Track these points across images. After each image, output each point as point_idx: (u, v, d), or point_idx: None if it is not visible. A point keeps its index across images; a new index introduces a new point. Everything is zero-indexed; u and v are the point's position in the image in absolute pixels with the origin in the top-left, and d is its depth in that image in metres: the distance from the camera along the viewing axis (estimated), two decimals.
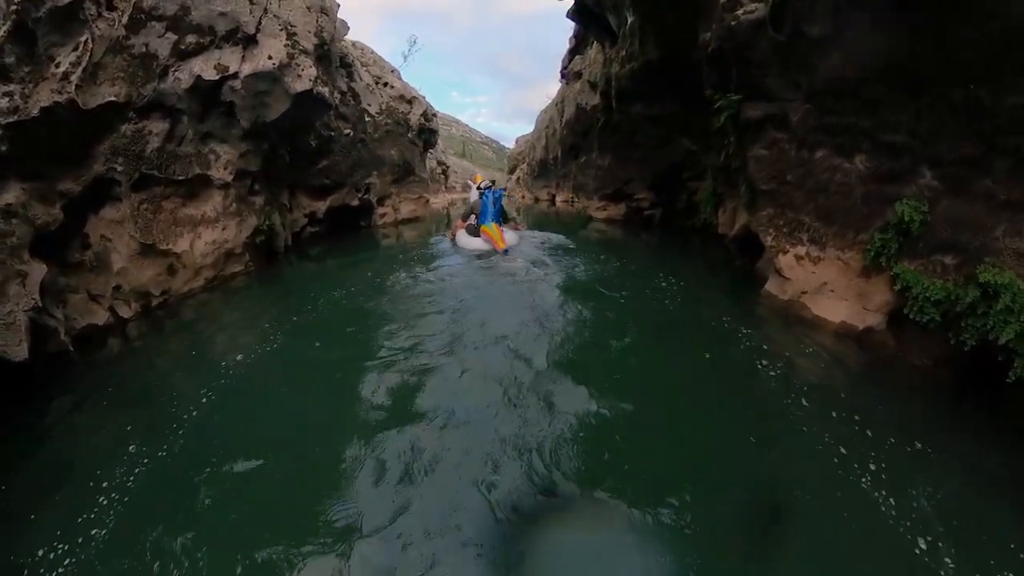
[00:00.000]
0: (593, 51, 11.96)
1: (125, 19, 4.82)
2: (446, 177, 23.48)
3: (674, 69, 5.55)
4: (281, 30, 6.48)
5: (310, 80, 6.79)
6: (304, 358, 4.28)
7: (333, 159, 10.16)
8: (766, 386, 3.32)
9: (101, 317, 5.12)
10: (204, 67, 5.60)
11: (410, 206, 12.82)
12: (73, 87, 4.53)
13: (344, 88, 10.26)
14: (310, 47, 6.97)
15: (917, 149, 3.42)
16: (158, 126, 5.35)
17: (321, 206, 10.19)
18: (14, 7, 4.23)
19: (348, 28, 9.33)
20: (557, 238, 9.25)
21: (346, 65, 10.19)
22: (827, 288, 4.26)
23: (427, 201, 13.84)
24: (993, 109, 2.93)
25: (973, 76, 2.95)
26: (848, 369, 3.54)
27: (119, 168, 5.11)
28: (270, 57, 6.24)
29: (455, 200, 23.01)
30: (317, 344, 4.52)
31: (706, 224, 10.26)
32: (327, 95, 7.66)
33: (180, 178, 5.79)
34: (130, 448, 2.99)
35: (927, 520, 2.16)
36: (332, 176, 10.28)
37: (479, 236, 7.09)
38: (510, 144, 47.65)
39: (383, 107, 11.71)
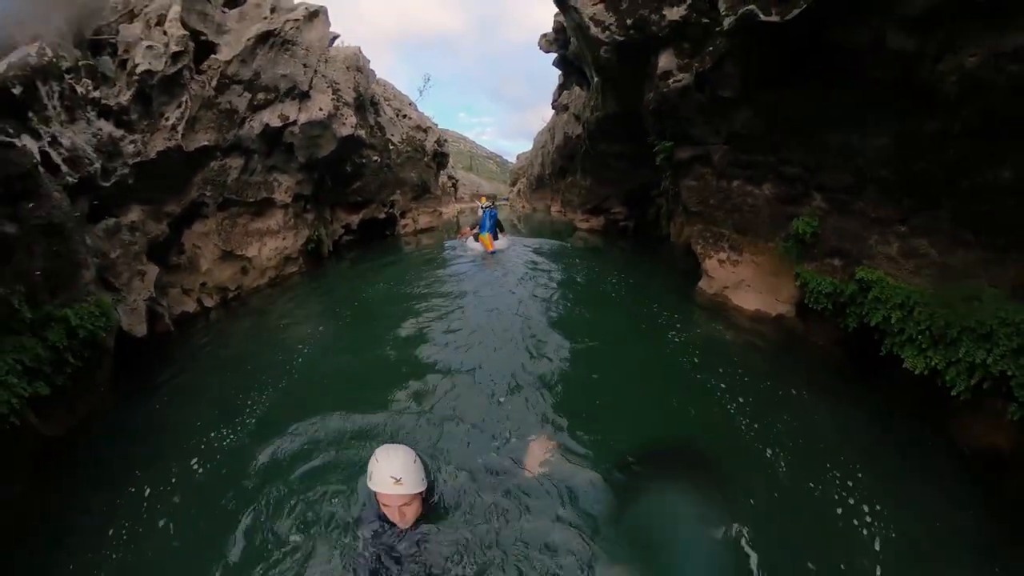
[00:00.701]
0: (576, 89, 12.60)
1: (214, 83, 5.59)
2: (455, 189, 24.09)
3: (628, 120, 6.18)
4: (328, 87, 7.26)
5: (352, 127, 7.61)
6: (347, 330, 5.05)
7: (364, 181, 10.91)
8: (693, 353, 3.83)
9: (191, 306, 5.94)
10: (271, 117, 6.39)
11: (426, 218, 13.57)
12: (179, 135, 5.32)
13: (372, 123, 11.00)
14: (351, 99, 7.77)
15: (808, 179, 3.93)
16: (236, 162, 6.14)
17: (355, 219, 10.96)
18: (135, 78, 5.02)
19: (375, 75, 10.06)
20: (547, 243, 10.07)
21: (374, 104, 10.92)
22: (744, 284, 4.92)
23: (440, 214, 14.58)
24: (861, 149, 3.36)
25: (845, 124, 3.47)
26: (762, 344, 4.07)
27: (208, 194, 5.90)
28: (321, 109, 7.06)
29: (464, 209, 23.55)
30: (357, 318, 5.26)
31: (667, 233, 10.90)
32: (363, 136, 8.45)
33: (251, 200, 6.58)
34: (218, 404, 3.40)
35: (802, 451, 2.52)
36: (363, 195, 11.04)
37: (477, 241, 8.84)
38: (512, 159, 48.03)
39: (404, 136, 12.44)
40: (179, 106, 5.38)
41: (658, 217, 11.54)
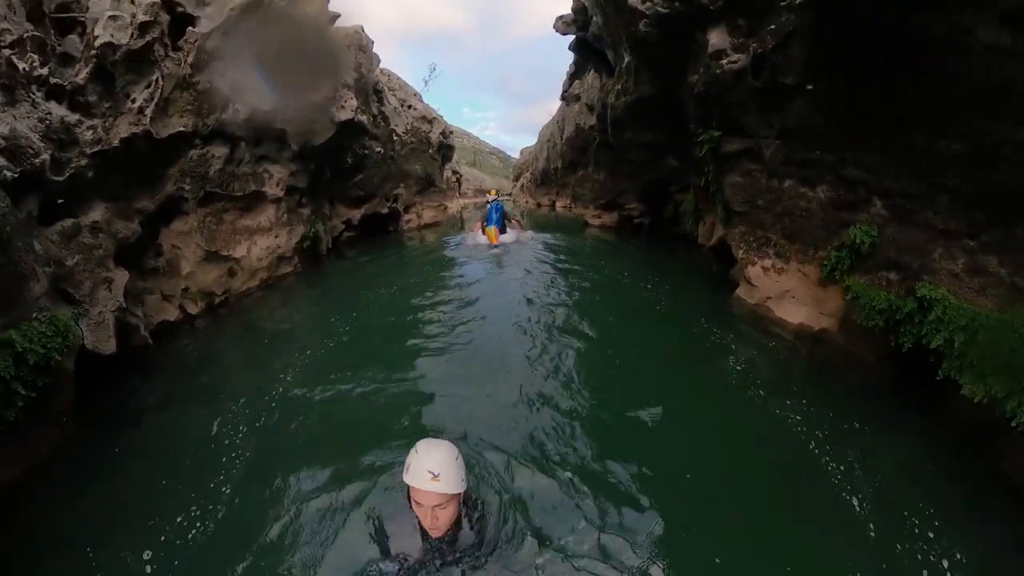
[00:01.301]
0: (591, 77, 11.70)
1: (191, 59, 4.79)
2: (459, 184, 23.39)
3: (663, 104, 5.36)
4: None
5: (352, 111, 6.76)
6: (347, 342, 4.40)
7: (367, 173, 10.12)
8: (734, 368, 3.54)
9: (172, 314, 5.21)
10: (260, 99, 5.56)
11: (431, 213, 12.79)
12: (148, 120, 4.54)
13: (376, 112, 10.17)
14: (351, 81, 6.91)
15: (871, 183, 3.51)
16: (219, 151, 5.35)
17: (356, 214, 10.20)
18: (93, 52, 4.23)
19: (380, 60, 9.21)
20: (559, 240, 9.45)
21: (377, 92, 10.08)
22: (789, 295, 4.41)
23: (445, 208, 13.79)
24: (933, 154, 2.97)
25: (918, 125, 3.00)
26: (805, 359, 3.77)
27: (187, 187, 5.14)
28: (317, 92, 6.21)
29: (467, 204, 22.98)
30: (358, 328, 4.69)
31: (688, 233, 10.13)
32: (365, 122, 7.61)
33: (238, 194, 5.81)
34: (200, 425, 2.98)
35: (855, 480, 2.31)
36: (365, 188, 10.26)
37: (483, 235, 8.75)
38: (514, 154, 48.75)
39: (408, 127, 11.61)
40: (148, 86, 4.60)
41: (676, 214, 10.78)
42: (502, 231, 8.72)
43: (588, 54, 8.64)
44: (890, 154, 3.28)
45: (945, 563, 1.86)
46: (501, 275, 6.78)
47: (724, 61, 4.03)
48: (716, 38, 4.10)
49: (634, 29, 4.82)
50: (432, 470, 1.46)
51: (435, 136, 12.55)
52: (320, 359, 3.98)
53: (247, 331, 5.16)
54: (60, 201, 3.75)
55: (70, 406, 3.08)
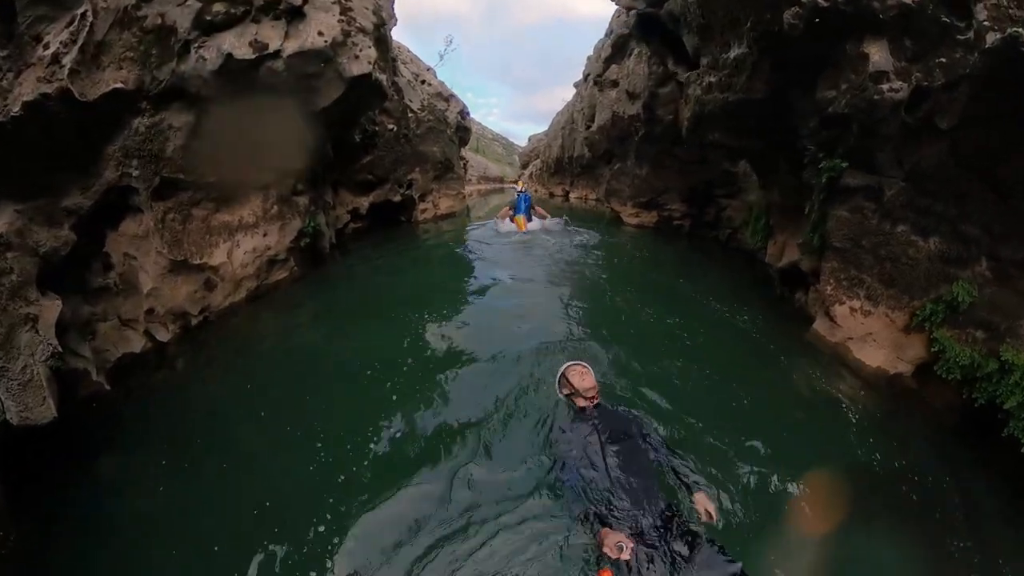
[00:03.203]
0: (632, 61, 9.92)
1: None
2: (466, 171, 21.85)
3: (773, 111, 4.34)
4: (334, 3, 4.70)
5: (369, 63, 5.01)
6: (357, 366, 3.56)
7: (377, 155, 8.54)
8: (811, 407, 3.51)
9: (137, 343, 3.87)
10: (236, 44, 3.89)
11: (448, 201, 11.20)
12: (67, 73, 3.00)
13: (390, 81, 8.46)
14: (368, 25, 5.14)
15: (983, 243, 3.46)
16: (180, 119, 3.78)
17: (364, 202, 8.66)
18: None
19: (396, 19, 7.42)
20: (591, 236, 8.85)
21: (392, 58, 8.34)
22: (871, 337, 4.20)
23: (463, 197, 12.19)
24: None
25: None
26: (884, 404, 3.70)
27: (135, 173, 3.64)
28: (320, 33, 4.43)
29: (472, 192, 21.81)
30: (373, 350, 3.81)
31: (727, 240, 8.98)
32: (384, 82, 5.88)
33: (211, 180, 4.28)
34: (178, 501, 2.33)
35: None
36: (376, 172, 8.69)
37: (512, 222, 9.06)
38: (518, 141, 49.78)
39: (424, 104, 9.88)
40: (70, 24, 3.04)
41: (718, 219, 9.51)
42: (528, 219, 9.13)
43: (652, 34, 6.97)
44: (1010, 218, 3.27)
45: None
46: (538, 282, 5.91)
47: (885, 86, 3.35)
48: (878, 54, 3.39)
49: (770, 18, 3.77)
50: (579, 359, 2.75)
51: (452, 116, 10.82)
52: (327, 405, 3.14)
53: (234, 360, 3.91)
54: None
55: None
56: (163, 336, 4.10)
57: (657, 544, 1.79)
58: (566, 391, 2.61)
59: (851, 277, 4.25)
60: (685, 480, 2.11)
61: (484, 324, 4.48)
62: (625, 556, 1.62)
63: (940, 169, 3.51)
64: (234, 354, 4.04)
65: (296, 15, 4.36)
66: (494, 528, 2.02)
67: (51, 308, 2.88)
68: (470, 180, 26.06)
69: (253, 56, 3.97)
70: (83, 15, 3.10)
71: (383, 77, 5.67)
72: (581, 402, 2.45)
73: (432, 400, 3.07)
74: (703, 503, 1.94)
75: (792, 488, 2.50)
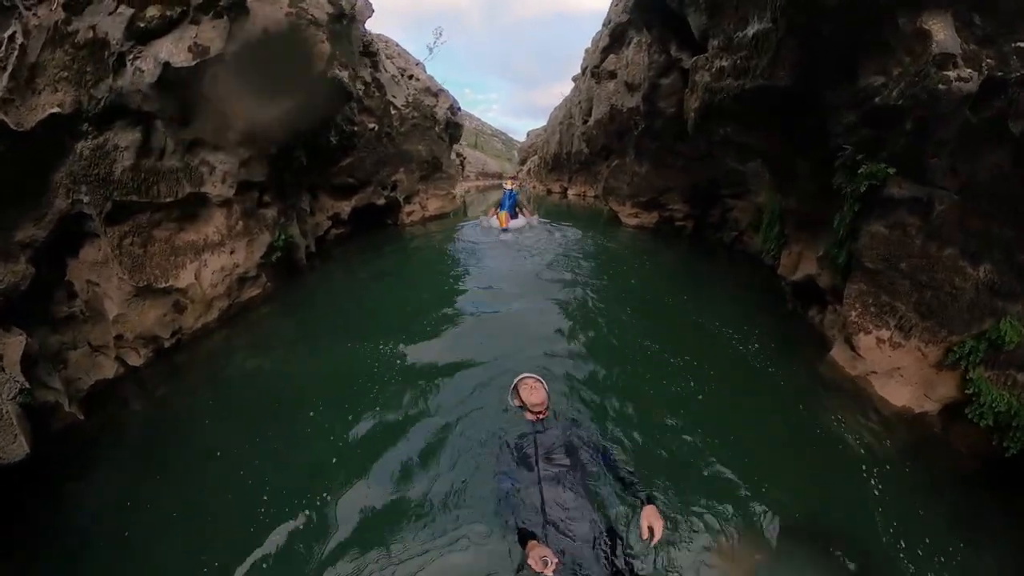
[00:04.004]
0: (631, 51, 9.68)
1: None
2: (462, 168, 21.62)
3: (797, 103, 3.79)
4: None
5: (322, 59, 4.83)
6: (329, 386, 3.64)
7: (357, 156, 8.36)
8: (821, 448, 3.28)
9: (110, 369, 3.88)
10: (174, 50, 3.67)
11: (437, 202, 11.03)
12: (1, 103, 2.85)
13: (368, 78, 8.26)
14: (322, 17, 4.90)
15: None
16: (126, 137, 3.63)
17: (346, 207, 8.52)
18: None
19: (372, 10, 7.21)
20: (586, 239, 8.77)
21: (370, 54, 8.15)
22: (898, 373, 3.81)
23: (453, 197, 12.00)
24: None
25: None
26: (899, 443, 3.46)
27: (85, 199, 3.52)
28: (266, 30, 4.24)
29: (470, 188, 21.73)
30: (344, 369, 3.85)
31: (732, 243, 8.83)
32: (345, 80, 5.68)
33: (168, 200, 4.16)
34: (157, 528, 2.41)
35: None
36: (357, 175, 8.53)
37: (495, 218, 9.59)
38: (518, 137, 49.42)
39: (409, 99, 9.67)
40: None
41: (723, 220, 9.30)
42: (513, 216, 9.60)
43: (653, 18, 6.67)
44: None
45: None
46: (522, 295, 5.77)
47: (953, 74, 2.75)
48: (942, 33, 2.80)
49: None
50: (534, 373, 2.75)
51: (441, 112, 10.60)
52: (300, 427, 3.16)
53: (207, 388, 3.90)
54: None
55: None
56: (135, 361, 4.09)
57: (584, 565, 1.86)
58: (516, 403, 2.70)
59: (881, 304, 3.81)
60: (635, 495, 2.16)
61: (456, 340, 4.43)
62: (548, 572, 1.68)
63: (1001, 183, 3.05)
64: (207, 377, 4.04)
65: (239, 10, 4.09)
66: (430, 535, 2.26)
67: (15, 344, 2.85)
68: (468, 177, 25.97)
69: (193, 63, 3.76)
70: (11, 37, 2.94)
71: (343, 74, 5.45)
72: (529, 415, 2.54)
73: (402, 417, 3.19)
74: (648, 518, 1.95)
75: (793, 539, 2.40)
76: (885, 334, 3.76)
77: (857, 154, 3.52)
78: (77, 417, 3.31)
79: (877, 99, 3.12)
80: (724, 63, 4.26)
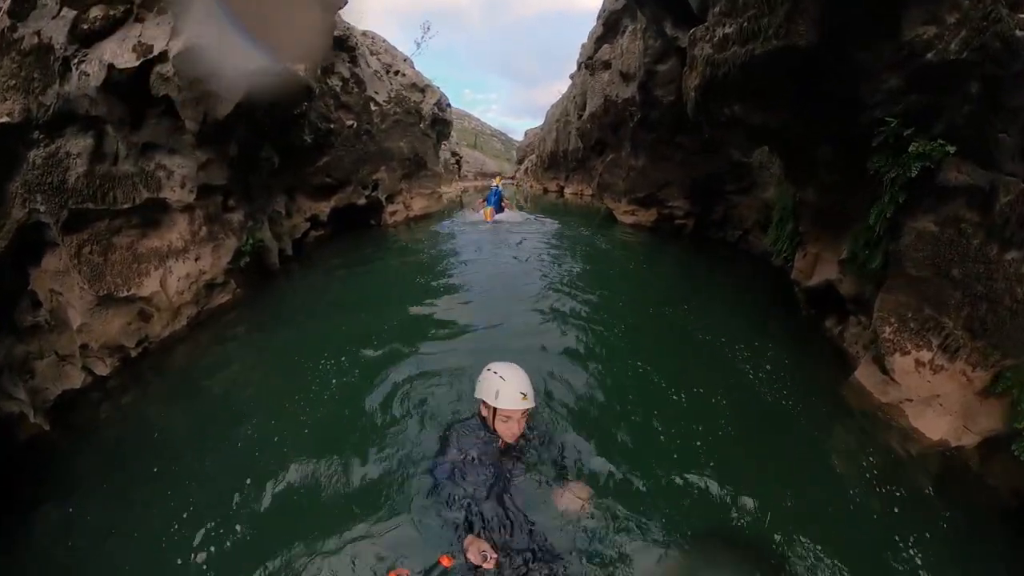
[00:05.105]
0: (626, 39, 9.76)
1: (7, 3, 3.14)
2: (459, 167, 21.86)
3: (817, 70, 3.24)
4: None
5: None
6: (300, 388, 3.73)
7: (335, 154, 8.49)
8: (842, 487, 2.91)
9: (76, 379, 3.98)
10: (118, 51, 3.71)
11: (423, 201, 11.13)
12: None
13: (346, 74, 8.39)
14: None
15: None
16: (77, 144, 3.70)
17: (325, 208, 8.64)
18: None
19: (345, 1, 7.29)
20: (588, 239, 8.89)
21: (348, 48, 8.27)
22: (937, 401, 3.31)
23: (440, 196, 12.11)
24: None
25: None
26: (928, 481, 3.09)
27: (41, 208, 3.62)
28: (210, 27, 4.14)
29: (467, 188, 22.16)
30: (309, 378, 3.92)
31: (736, 241, 8.82)
32: (306, 77, 5.73)
33: (126, 206, 4.26)
34: (125, 538, 2.48)
35: None
36: (335, 174, 8.65)
37: (481, 212, 11.07)
38: (517, 136, 48.94)
39: (392, 95, 9.78)
40: None
41: (726, 218, 9.31)
42: (499, 211, 10.90)
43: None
44: None
45: None
46: (525, 299, 5.73)
47: None
48: None
49: None
50: (523, 391, 2.17)
51: (427, 107, 10.72)
52: (267, 435, 3.20)
53: (174, 397, 4.01)
54: None
55: None
56: (101, 370, 4.17)
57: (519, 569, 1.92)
58: (484, 414, 2.41)
59: (924, 319, 3.30)
60: (564, 476, 2.25)
61: (430, 348, 4.41)
62: (488, 566, 1.72)
63: None
64: (174, 387, 4.14)
65: (183, 5, 4.04)
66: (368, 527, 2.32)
67: None
68: (467, 176, 26.27)
69: (137, 63, 3.78)
70: None
71: (301, 68, 5.44)
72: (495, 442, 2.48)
73: (372, 427, 3.19)
74: (575, 490, 2.09)
75: None
76: (926, 355, 3.24)
77: (903, 129, 2.93)
78: (43, 428, 3.41)
79: (930, 54, 2.58)
80: (728, 30, 3.77)
